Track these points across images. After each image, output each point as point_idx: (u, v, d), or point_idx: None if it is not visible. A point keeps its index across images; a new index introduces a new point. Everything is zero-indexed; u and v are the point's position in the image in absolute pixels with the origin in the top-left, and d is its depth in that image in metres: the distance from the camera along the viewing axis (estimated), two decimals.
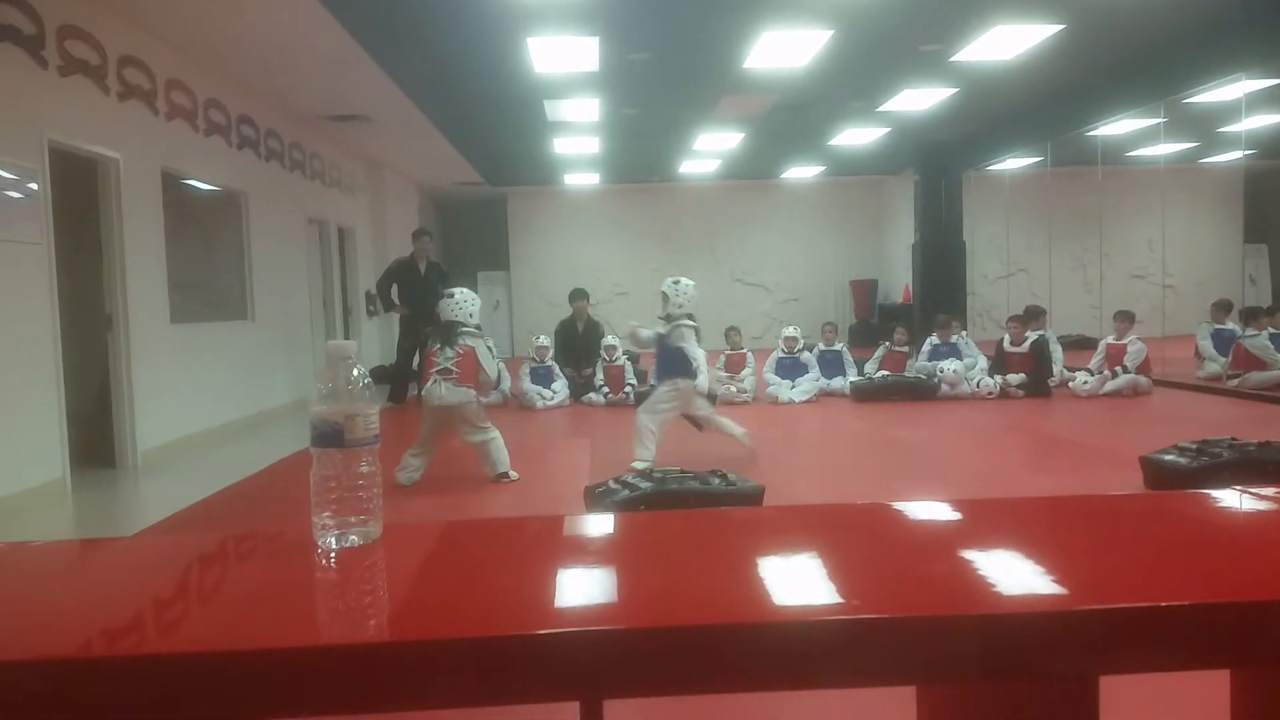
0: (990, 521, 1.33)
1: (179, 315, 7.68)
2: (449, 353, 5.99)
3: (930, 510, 1.37)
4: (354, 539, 1.16)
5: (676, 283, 6.49)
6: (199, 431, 7.85)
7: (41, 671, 0.86)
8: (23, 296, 5.65)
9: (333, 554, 1.15)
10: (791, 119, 12.53)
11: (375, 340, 13.39)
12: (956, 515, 1.34)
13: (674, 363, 6.35)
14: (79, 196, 6.62)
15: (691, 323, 6.43)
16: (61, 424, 5.98)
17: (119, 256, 6.75)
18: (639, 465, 6.07)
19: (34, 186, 5.72)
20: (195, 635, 0.99)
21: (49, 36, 5.92)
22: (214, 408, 8.23)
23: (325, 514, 1.16)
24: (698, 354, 6.32)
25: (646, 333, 6.56)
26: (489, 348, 6.30)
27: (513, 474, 6.10)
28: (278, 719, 0.89)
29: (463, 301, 6.19)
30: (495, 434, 6.12)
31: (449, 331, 6.10)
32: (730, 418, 6.84)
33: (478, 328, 6.25)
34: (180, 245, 7.80)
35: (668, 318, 6.43)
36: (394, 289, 10.28)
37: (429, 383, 6.02)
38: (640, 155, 15.56)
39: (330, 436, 1.15)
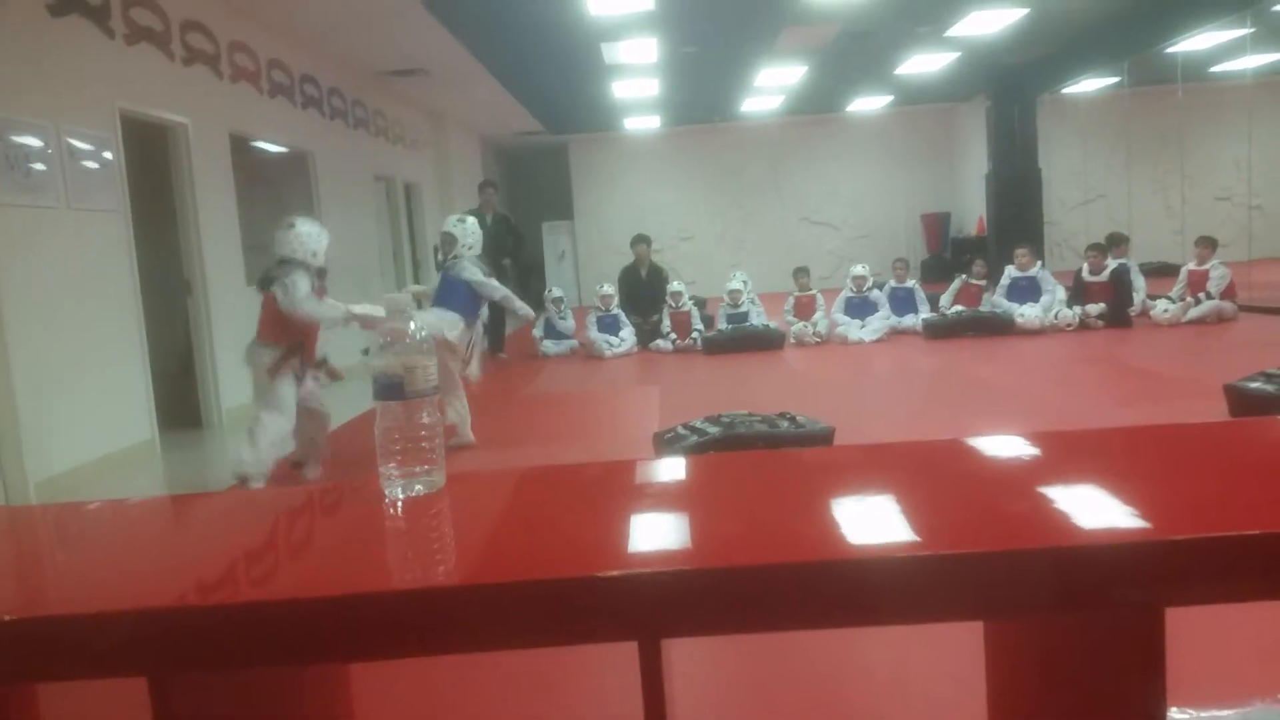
0: (1064, 454, 1.31)
1: (254, 277, 7.83)
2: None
3: (1003, 445, 1.34)
4: (419, 488, 1.19)
5: (462, 221, 5.68)
6: None
7: (139, 620, 0.91)
8: (105, 264, 5.82)
9: (399, 503, 1.18)
10: (856, 49, 12.17)
11: None
12: (1030, 449, 1.31)
13: (465, 303, 5.57)
14: (152, 163, 6.77)
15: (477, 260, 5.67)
16: (148, 387, 6.18)
17: (194, 221, 6.89)
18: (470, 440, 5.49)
19: (108, 155, 5.86)
20: (279, 585, 1.03)
21: (114, 6, 6.01)
22: None
23: (390, 465, 1.18)
24: (494, 284, 5.60)
25: (395, 300, 5.41)
26: (302, 285, 4.53)
27: (248, 468, 4.49)
28: (355, 662, 0.91)
29: (303, 235, 4.64)
30: (263, 418, 4.54)
31: (267, 275, 4.70)
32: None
33: (318, 270, 4.74)
34: (252, 207, 7.92)
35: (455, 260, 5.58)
36: None
37: None
38: (701, 95, 15.29)
39: (391, 389, 1.17)
